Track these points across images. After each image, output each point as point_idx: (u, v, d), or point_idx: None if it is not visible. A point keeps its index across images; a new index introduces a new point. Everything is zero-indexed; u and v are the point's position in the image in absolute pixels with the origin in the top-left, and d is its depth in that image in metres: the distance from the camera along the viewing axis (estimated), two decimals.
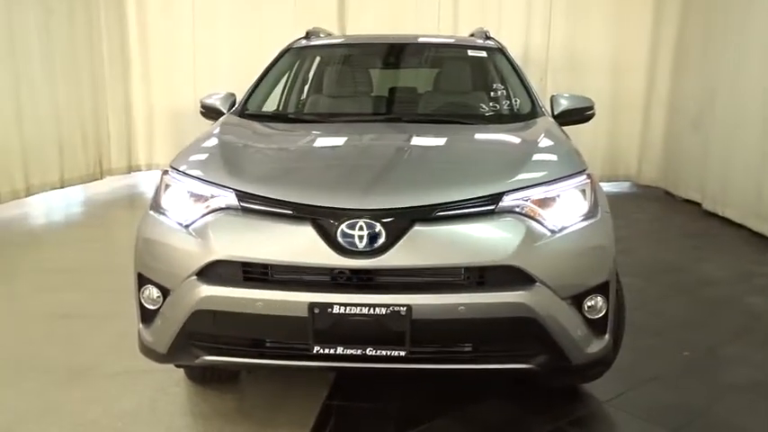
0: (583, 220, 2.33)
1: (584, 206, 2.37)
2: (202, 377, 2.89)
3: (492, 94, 3.49)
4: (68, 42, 7.51)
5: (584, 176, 2.45)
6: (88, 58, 7.89)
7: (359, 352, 2.14)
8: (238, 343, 2.28)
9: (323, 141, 2.95)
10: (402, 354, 2.13)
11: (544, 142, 2.80)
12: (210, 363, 2.34)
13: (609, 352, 2.43)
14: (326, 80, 3.84)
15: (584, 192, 2.40)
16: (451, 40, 4.37)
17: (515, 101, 3.38)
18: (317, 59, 4.04)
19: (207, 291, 2.17)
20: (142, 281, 2.40)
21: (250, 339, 2.27)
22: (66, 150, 7.49)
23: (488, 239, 2.18)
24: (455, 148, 2.83)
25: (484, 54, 3.77)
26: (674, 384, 3.02)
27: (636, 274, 4.75)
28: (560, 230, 2.26)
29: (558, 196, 2.34)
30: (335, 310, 2.09)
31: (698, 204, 7.04)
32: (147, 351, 2.45)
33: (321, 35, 4.18)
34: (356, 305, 2.09)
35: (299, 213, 2.19)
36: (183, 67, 8.63)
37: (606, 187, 8.48)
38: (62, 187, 7.45)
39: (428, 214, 2.17)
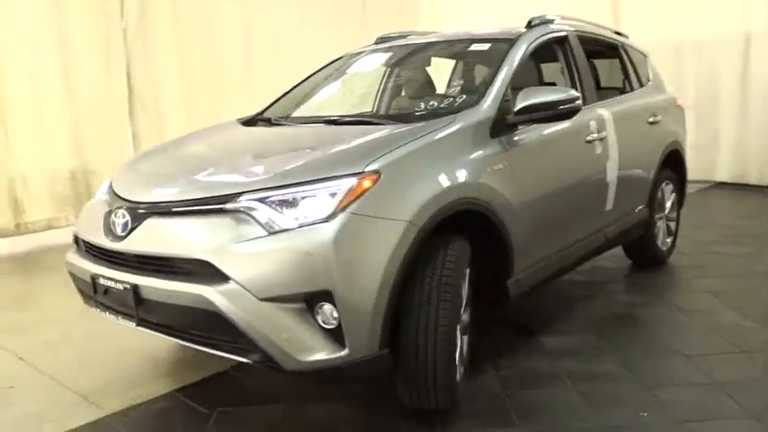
0: (311, 224, 2.25)
1: (324, 210, 2.27)
2: None
3: (448, 90, 3.20)
4: None
5: (349, 179, 2.34)
6: None
7: (119, 319, 2.60)
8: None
9: (214, 142, 3.28)
10: (133, 324, 2.53)
11: (352, 141, 2.67)
12: None
13: (350, 365, 2.28)
14: (328, 84, 3.92)
15: (333, 195, 2.30)
16: (472, 35, 3.87)
17: (460, 98, 3.06)
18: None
19: (68, 257, 2.89)
20: None
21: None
22: None
23: (197, 235, 2.36)
24: (269, 149, 2.95)
25: (484, 48, 3.42)
26: None
27: (743, 309, 3.74)
28: (276, 232, 2.26)
29: (302, 198, 2.31)
30: (101, 281, 2.59)
31: None
32: None
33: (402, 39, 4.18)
34: (109, 279, 2.55)
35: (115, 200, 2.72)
36: None
37: None
38: None
39: (161, 209, 2.49)
